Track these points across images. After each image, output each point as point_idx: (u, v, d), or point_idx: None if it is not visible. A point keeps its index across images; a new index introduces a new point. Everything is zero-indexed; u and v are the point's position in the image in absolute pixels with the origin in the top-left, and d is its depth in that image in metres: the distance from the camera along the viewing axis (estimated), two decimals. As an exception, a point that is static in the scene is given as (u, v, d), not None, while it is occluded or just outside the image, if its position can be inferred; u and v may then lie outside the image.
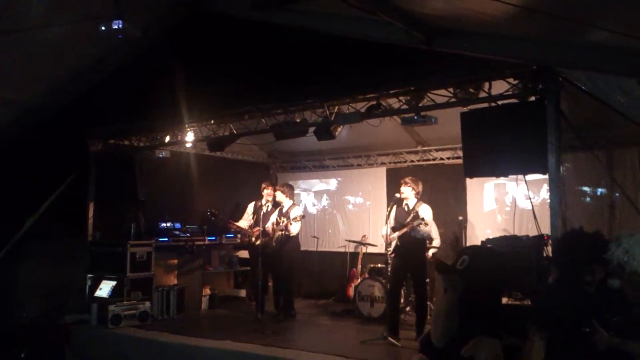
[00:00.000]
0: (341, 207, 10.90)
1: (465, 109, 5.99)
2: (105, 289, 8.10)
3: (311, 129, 7.29)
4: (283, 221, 8.26)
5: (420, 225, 7.05)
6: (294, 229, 8.29)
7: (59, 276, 8.40)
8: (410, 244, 7.17)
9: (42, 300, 8.18)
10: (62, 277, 8.44)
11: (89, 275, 8.48)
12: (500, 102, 5.73)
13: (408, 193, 7.35)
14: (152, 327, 7.78)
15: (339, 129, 7.15)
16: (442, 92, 6.06)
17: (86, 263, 8.57)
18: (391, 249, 7.23)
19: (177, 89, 7.23)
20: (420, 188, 7.42)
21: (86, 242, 8.72)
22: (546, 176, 5.29)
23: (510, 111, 5.62)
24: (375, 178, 10.35)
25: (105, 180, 8.91)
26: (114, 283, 8.08)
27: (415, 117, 6.44)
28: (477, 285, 4.21)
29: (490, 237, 6.91)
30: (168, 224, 9.26)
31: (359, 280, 8.85)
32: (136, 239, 8.48)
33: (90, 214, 8.85)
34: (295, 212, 8.41)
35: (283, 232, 8.26)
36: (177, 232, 9.24)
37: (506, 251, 5.71)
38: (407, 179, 7.45)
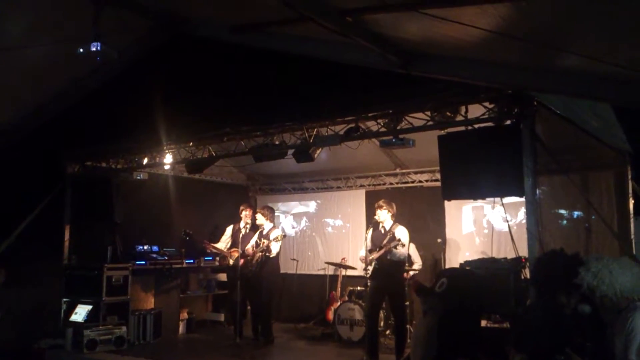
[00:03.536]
0: (320, 230, 10.87)
1: (442, 132, 6.05)
2: (80, 313, 7.97)
3: (290, 152, 7.29)
4: (264, 242, 8.22)
5: (397, 247, 7.06)
6: (274, 248, 8.25)
7: (33, 300, 8.21)
8: (388, 267, 7.17)
9: (16, 324, 7.97)
10: (36, 301, 8.25)
11: (64, 299, 8.32)
12: (476, 126, 5.78)
13: (384, 216, 7.37)
14: (129, 353, 7.66)
15: (318, 152, 7.16)
16: (420, 115, 6.12)
17: (61, 287, 8.41)
18: (369, 271, 7.22)
19: (155, 111, 7.19)
20: (394, 209, 7.43)
21: (61, 265, 8.57)
22: (523, 199, 5.33)
23: (486, 134, 5.66)
24: (355, 200, 10.34)
25: (81, 202, 8.79)
26: (89, 307, 7.95)
27: (394, 140, 6.46)
28: (456, 307, 4.23)
29: (469, 259, 6.95)
30: (145, 247, 9.15)
31: (339, 303, 8.78)
32: (113, 262, 8.34)
33: (66, 236, 8.72)
34: (276, 233, 8.37)
35: (264, 254, 8.21)
36: (154, 255, 9.13)
37: (484, 273, 5.73)
38: (380, 203, 7.47)
